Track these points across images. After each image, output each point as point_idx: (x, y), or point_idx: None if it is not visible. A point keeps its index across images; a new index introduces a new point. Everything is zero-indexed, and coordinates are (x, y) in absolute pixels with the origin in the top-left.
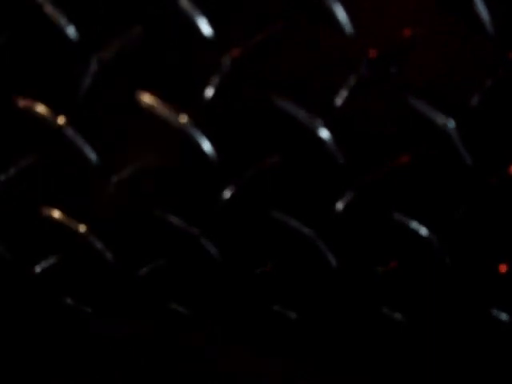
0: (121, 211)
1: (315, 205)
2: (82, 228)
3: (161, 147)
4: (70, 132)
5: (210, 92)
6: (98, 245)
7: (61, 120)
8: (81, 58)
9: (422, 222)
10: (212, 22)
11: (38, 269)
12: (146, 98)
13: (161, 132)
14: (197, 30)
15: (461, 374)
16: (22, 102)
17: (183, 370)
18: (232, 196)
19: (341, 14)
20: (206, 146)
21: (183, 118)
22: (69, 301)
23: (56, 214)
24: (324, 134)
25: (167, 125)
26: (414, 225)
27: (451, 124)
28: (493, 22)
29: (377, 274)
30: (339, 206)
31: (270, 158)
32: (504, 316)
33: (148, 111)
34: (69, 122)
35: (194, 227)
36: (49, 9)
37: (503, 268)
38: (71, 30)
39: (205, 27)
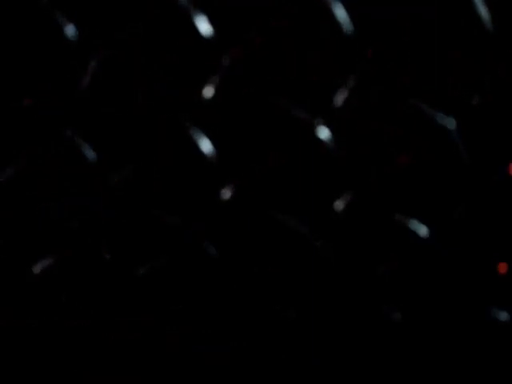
0: (119, 210)
1: (315, 204)
2: (81, 227)
3: (159, 147)
4: (68, 131)
5: (209, 92)
6: (96, 244)
7: (59, 119)
8: (80, 57)
9: (422, 222)
10: (211, 22)
11: (36, 269)
12: (145, 97)
13: (160, 132)
14: (196, 30)
15: (460, 374)
16: (20, 101)
17: (181, 370)
18: (231, 196)
19: (341, 13)
20: (206, 145)
21: (182, 118)
22: (67, 301)
23: (55, 212)
24: (324, 133)
25: (166, 124)
26: (414, 224)
27: (451, 124)
28: (493, 22)
29: (376, 274)
30: (339, 205)
31: (269, 157)
32: (503, 316)
33: (147, 110)
34: (67, 121)
35: (192, 227)
36: (48, 8)
37: (503, 267)
38: (71, 30)
39: (204, 26)
